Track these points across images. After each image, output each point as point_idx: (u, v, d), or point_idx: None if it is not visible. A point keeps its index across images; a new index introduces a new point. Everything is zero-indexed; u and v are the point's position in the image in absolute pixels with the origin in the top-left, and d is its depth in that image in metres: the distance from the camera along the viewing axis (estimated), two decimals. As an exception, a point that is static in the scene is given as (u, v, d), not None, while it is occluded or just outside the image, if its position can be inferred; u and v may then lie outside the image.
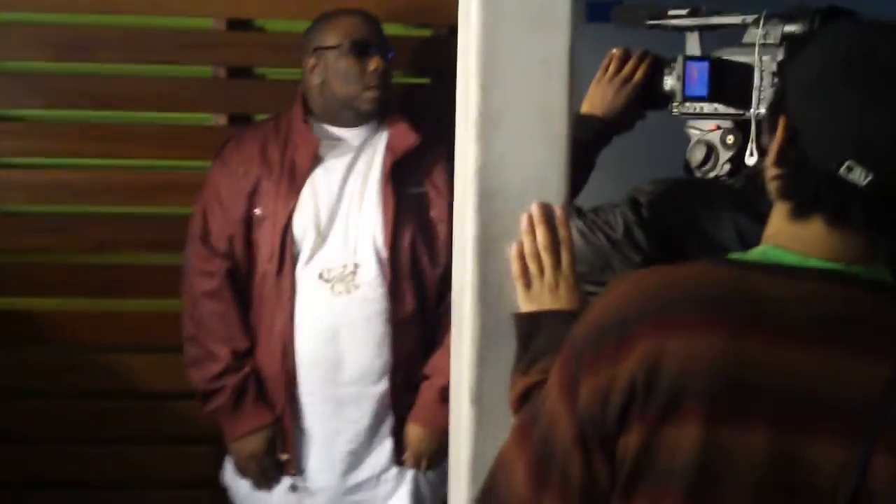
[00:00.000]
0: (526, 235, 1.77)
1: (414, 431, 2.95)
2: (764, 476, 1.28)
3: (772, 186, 1.40)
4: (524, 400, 1.62)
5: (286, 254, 2.87)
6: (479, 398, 1.81)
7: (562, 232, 1.78)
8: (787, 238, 1.38)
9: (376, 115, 2.94)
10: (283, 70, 3.38)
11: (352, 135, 2.95)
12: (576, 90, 1.87)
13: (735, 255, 1.41)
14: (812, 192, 1.34)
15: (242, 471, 2.98)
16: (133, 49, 3.36)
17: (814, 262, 1.34)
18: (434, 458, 2.95)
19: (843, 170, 1.30)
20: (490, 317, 1.80)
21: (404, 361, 2.94)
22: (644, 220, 2.06)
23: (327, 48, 2.89)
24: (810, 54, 1.39)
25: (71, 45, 3.35)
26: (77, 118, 3.41)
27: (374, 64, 2.86)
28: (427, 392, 2.94)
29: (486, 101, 1.79)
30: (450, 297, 2.86)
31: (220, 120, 3.40)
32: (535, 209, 1.78)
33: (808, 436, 1.27)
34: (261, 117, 3.33)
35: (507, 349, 1.76)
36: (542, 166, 1.80)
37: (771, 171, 1.40)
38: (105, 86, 3.38)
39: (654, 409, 1.30)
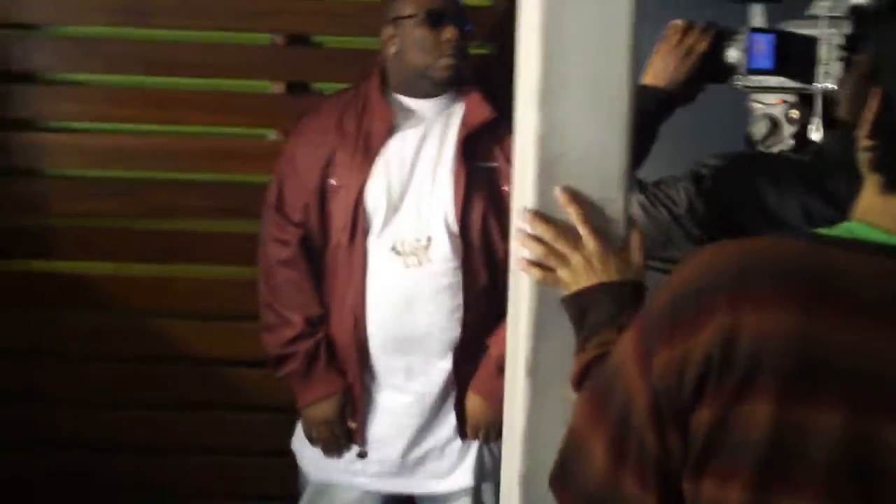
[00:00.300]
0: (530, 242, 1.76)
1: (472, 402, 2.94)
2: (838, 457, 1.24)
3: (863, 159, 1.36)
4: (583, 377, 1.61)
5: (358, 225, 2.88)
6: (535, 370, 1.79)
7: (571, 213, 1.76)
8: (875, 214, 1.34)
9: (451, 86, 2.92)
10: (341, 38, 3.38)
11: (427, 106, 2.94)
12: (636, 61, 1.84)
13: (820, 230, 1.37)
14: None
15: (313, 437, 3.00)
16: (192, 15, 3.37)
17: None
18: (495, 430, 2.93)
19: None
20: (547, 288, 1.78)
21: (472, 336, 2.93)
22: (707, 194, 2.04)
23: (404, 17, 2.88)
24: None
25: (130, 10, 3.35)
26: (135, 83, 3.42)
27: (448, 33, 2.84)
28: (487, 363, 2.93)
29: (546, 69, 1.76)
30: None
31: (278, 88, 3.41)
32: (526, 216, 1.77)
33: (882, 416, 1.24)
34: (318, 85, 3.34)
35: (564, 321, 1.74)
36: (602, 135, 1.78)
37: (863, 143, 1.36)
38: (163, 52, 3.40)
39: (729, 384, 1.27)
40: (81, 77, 3.43)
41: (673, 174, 2.12)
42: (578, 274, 1.72)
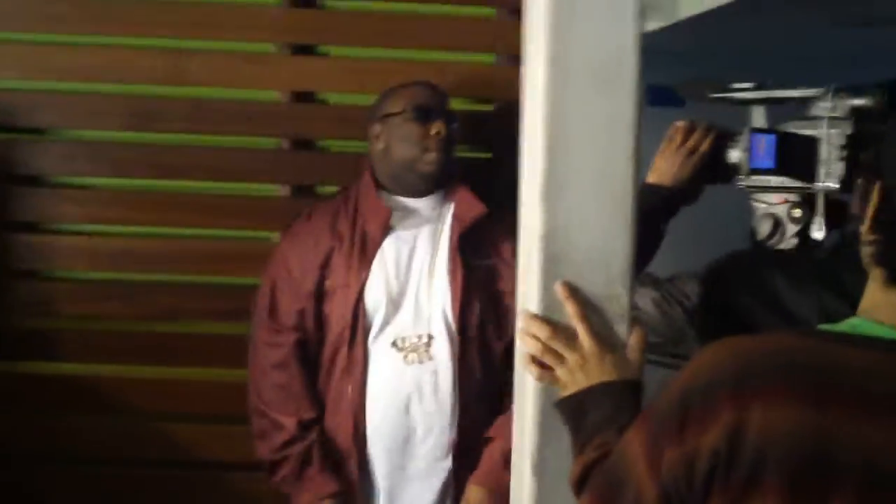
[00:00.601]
0: (524, 337, 1.77)
1: (475, 494, 2.90)
2: None
3: (865, 253, 1.37)
4: (583, 480, 1.60)
5: (359, 324, 2.88)
6: (541, 469, 1.78)
7: (568, 310, 1.76)
8: (878, 309, 1.35)
9: (439, 182, 2.95)
10: (346, 143, 3.41)
11: (419, 205, 2.96)
12: (640, 159, 1.86)
13: (824, 327, 1.38)
14: None
15: None
16: (199, 120, 3.41)
17: None
18: None
19: None
20: (553, 385, 1.78)
21: (469, 435, 2.91)
22: (723, 291, 2.04)
23: (391, 115, 2.92)
24: None
25: (138, 115, 3.39)
26: (142, 187, 3.44)
27: (435, 128, 2.88)
28: (491, 455, 2.90)
29: (550, 166, 1.78)
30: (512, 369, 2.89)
31: (284, 191, 3.43)
32: (524, 315, 1.78)
33: None
34: (323, 189, 3.36)
35: (571, 418, 1.73)
36: (607, 231, 1.78)
37: (865, 238, 1.37)
38: (170, 155, 3.42)
39: (736, 480, 1.27)
40: (89, 181, 3.45)
41: (686, 270, 2.13)
42: (574, 373, 1.71)
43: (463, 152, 3.43)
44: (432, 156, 2.89)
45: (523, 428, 1.82)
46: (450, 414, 2.89)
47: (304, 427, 2.92)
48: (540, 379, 1.76)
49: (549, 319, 1.76)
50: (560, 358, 1.73)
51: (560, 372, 1.73)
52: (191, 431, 3.45)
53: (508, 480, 2.68)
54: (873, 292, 1.36)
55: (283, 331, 2.94)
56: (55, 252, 3.45)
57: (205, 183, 3.44)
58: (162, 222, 3.45)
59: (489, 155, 3.47)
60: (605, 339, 1.75)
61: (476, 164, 3.45)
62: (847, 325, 1.36)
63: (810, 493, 1.25)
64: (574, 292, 1.76)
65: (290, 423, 2.92)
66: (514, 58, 3.29)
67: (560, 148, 1.79)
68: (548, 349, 1.75)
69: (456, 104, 3.40)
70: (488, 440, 2.94)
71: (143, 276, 3.45)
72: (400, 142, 2.91)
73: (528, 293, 1.81)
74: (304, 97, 3.45)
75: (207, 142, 3.44)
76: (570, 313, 1.75)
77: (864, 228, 1.37)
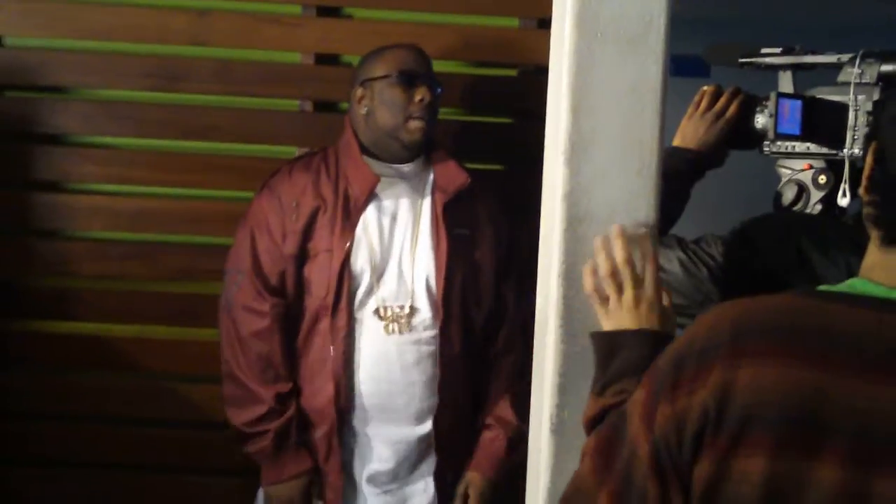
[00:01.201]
0: (599, 253, 1.76)
1: (477, 482, 2.93)
2: None
3: (865, 214, 1.39)
4: (596, 422, 1.61)
5: (343, 290, 2.83)
6: (560, 428, 1.78)
7: (645, 248, 1.75)
8: (876, 269, 1.36)
9: (421, 149, 2.92)
10: (368, 105, 3.40)
11: (400, 171, 2.93)
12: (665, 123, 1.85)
13: (824, 287, 1.39)
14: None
15: None
16: (221, 81, 3.40)
17: None
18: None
19: None
20: (573, 345, 1.77)
21: (450, 403, 2.91)
22: (752, 255, 2.03)
23: (375, 79, 2.89)
24: None
25: (161, 75, 3.39)
26: (162, 147, 3.44)
27: (419, 94, 2.85)
28: (493, 444, 2.93)
29: (576, 126, 1.77)
30: (499, 340, 2.89)
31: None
32: (612, 228, 1.75)
33: (880, 471, 1.24)
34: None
35: (588, 381, 1.73)
36: (630, 193, 1.77)
37: (863, 198, 1.39)
38: (192, 116, 3.41)
39: (724, 438, 1.29)
40: (109, 140, 3.44)
41: (713, 232, 2.12)
42: (624, 311, 1.71)
43: (487, 117, 3.41)
44: (416, 123, 2.86)
45: (542, 387, 1.81)
46: (429, 383, 2.88)
47: (282, 400, 2.87)
48: (591, 293, 1.74)
49: (631, 244, 1.75)
50: (620, 288, 1.72)
51: (612, 302, 1.73)
52: (206, 392, 3.44)
53: (508, 468, 2.73)
54: (871, 253, 1.38)
55: (267, 294, 2.88)
56: (75, 212, 3.44)
57: (226, 144, 3.43)
58: (182, 183, 3.45)
59: (512, 120, 3.45)
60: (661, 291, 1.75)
61: (499, 130, 3.43)
62: (846, 286, 1.37)
63: (799, 450, 1.26)
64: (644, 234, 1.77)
65: (268, 396, 2.86)
66: (538, 22, 3.30)
67: (585, 108, 1.78)
68: (614, 274, 1.74)
69: (480, 69, 3.39)
70: (485, 424, 2.95)
71: (162, 236, 3.45)
72: (384, 107, 2.87)
73: (550, 252, 1.80)
74: (327, 59, 3.43)
75: (230, 103, 3.42)
76: (645, 255, 1.75)
77: (861, 190, 1.39)
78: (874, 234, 1.37)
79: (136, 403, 3.48)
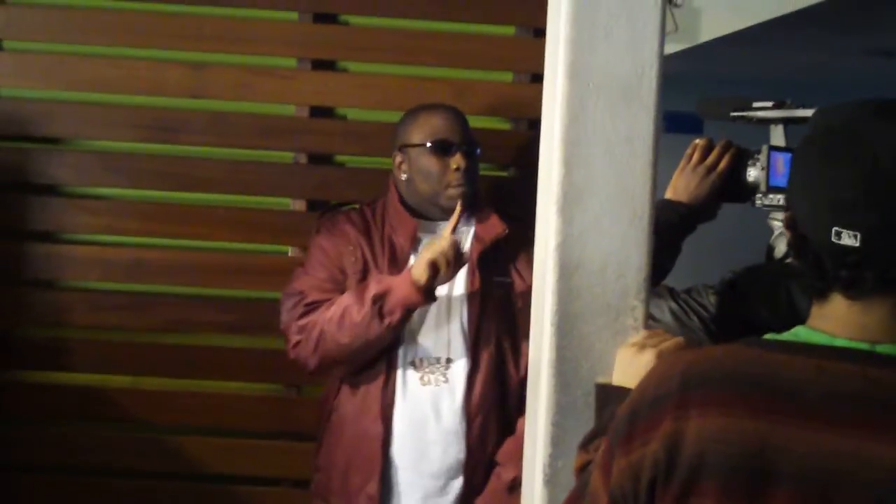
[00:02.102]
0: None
1: None
2: None
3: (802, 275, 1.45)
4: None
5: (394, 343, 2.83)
6: (553, 479, 1.78)
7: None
8: (818, 319, 1.40)
9: (465, 208, 2.92)
10: (363, 158, 3.42)
11: (442, 225, 2.91)
12: (657, 177, 1.86)
13: (770, 336, 1.42)
14: (817, 269, 1.38)
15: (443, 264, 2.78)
16: (217, 133, 3.42)
17: (840, 342, 1.36)
18: None
19: (833, 238, 1.33)
20: (567, 395, 1.78)
21: (481, 455, 2.89)
22: (741, 303, 2.04)
23: (411, 146, 2.90)
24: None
25: (156, 127, 3.41)
26: (157, 198, 3.45)
27: (455, 163, 2.86)
28: (496, 480, 2.89)
29: (568, 177, 1.78)
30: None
31: (299, 205, 3.43)
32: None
33: None
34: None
35: (583, 429, 1.73)
36: (623, 243, 1.78)
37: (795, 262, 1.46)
38: (187, 167, 3.43)
39: (675, 487, 1.32)
40: (103, 191, 3.46)
41: (704, 282, 2.12)
42: (632, 368, 1.71)
43: (481, 171, 3.43)
44: (454, 191, 2.86)
45: (536, 438, 1.81)
46: (463, 435, 2.87)
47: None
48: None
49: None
50: (642, 348, 1.73)
51: (629, 355, 1.74)
52: (199, 444, 3.44)
53: None
54: (815, 304, 1.42)
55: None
56: (69, 262, 3.45)
57: (220, 196, 3.45)
58: (176, 234, 3.45)
59: (506, 173, 3.47)
60: None
61: (494, 182, 3.45)
62: (791, 334, 1.41)
63: (745, 496, 1.29)
64: None
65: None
66: (532, 76, 3.33)
67: (577, 159, 1.79)
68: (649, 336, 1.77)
69: (474, 122, 3.41)
70: (496, 464, 2.92)
71: (156, 287, 3.45)
72: (421, 176, 2.88)
73: (543, 302, 1.81)
74: (322, 112, 3.45)
75: (224, 155, 3.44)
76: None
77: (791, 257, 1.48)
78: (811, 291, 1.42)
79: (129, 455, 3.46)
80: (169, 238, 3.46)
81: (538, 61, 2.02)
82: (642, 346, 1.72)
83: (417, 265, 2.74)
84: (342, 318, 2.77)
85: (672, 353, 1.62)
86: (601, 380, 1.76)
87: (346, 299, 2.78)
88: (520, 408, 2.86)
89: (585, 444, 1.66)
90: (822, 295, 1.39)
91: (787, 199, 1.44)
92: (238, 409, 3.41)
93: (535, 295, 1.90)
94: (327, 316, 2.80)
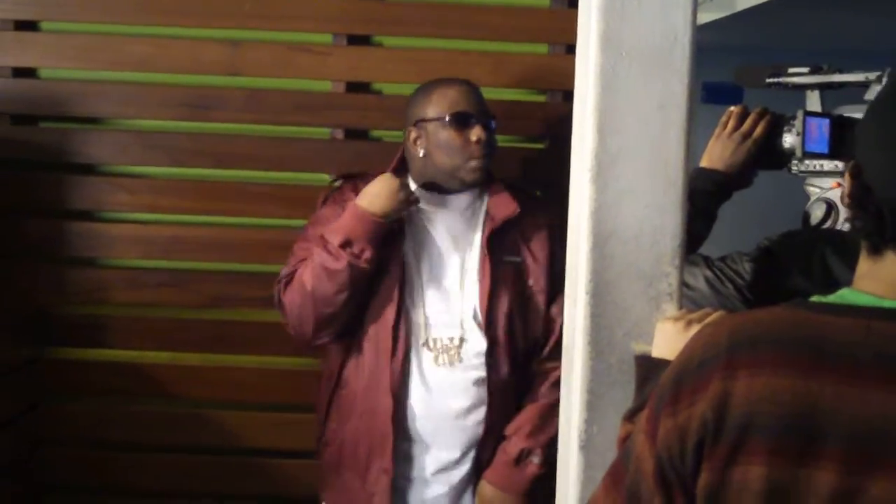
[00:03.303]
0: None
1: (487, 491, 2.89)
2: None
3: (851, 228, 1.44)
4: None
5: (401, 321, 2.84)
6: (588, 444, 1.78)
7: None
8: (865, 280, 1.39)
9: (481, 183, 2.93)
10: (399, 133, 3.41)
11: (455, 201, 2.94)
12: (692, 145, 1.85)
13: (815, 298, 1.42)
14: (877, 224, 1.36)
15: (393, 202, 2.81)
16: (253, 110, 3.43)
17: (888, 304, 1.35)
18: None
19: None
20: (601, 362, 1.78)
21: (495, 430, 2.90)
22: (776, 270, 2.03)
23: (428, 120, 2.89)
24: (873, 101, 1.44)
25: (194, 105, 3.43)
26: (195, 176, 3.47)
27: (475, 135, 2.85)
28: (503, 453, 2.90)
29: (602, 144, 1.78)
30: (542, 354, 2.88)
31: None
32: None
33: (874, 474, 1.26)
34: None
35: (618, 396, 1.73)
36: (657, 210, 1.78)
37: (850, 213, 1.44)
38: (224, 145, 3.44)
39: (723, 448, 1.32)
40: (141, 169, 3.48)
41: (739, 250, 2.12)
42: (674, 342, 1.71)
43: (515, 143, 3.43)
44: (475, 163, 2.86)
45: (571, 405, 1.81)
46: (476, 412, 2.88)
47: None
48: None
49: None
50: (688, 325, 1.73)
51: (673, 329, 1.73)
52: (238, 418, 3.47)
53: (517, 479, 2.72)
54: (862, 263, 1.41)
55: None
56: (108, 240, 3.48)
57: (257, 172, 3.46)
58: (214, 211, 3.48)
59: (542, 146, 3.46)
60: None
61: (529, 154, 3.44)
62: (837, 296, 1.40)
63: (795, 456, 1.28)
64: None
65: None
66: (567, 48, 3.32)
67: (611, 127, 1.79)
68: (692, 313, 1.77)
69: (510, 94, 3.41)
70: (505, 437, 2.93)
71: (194, 264, 3.48)
72: (440, 150, 2.87)
73: (577, 269, 1.81)
74: (358, 87, 3.46)
75: (262, 131, 3.46)
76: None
77: (845, 204, 1.44)
78: (863, 245, 1.41)
79: (168, 430, 3.50)
80: (207, 215, 3.48)
81: (573, 33, 2.01)
82: (685, 321, 1.72)
83: (362, 196, 2.78)
84: (322, 273, 2.78)
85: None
86: (639, 349, 1.76)
87: (319, 256, 2.79)
88: (529, 384, 2.93)
89: (630, 416, 1.67)
90: (875, 250, 1.38)
91: (856, 149, 1.41)
92: (276, 384, 3.43)
93: (568, 263, 1.90)
94: (308, 277, 2.81)
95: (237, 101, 3.43)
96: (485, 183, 2.94)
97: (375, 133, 3.47)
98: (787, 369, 1.30)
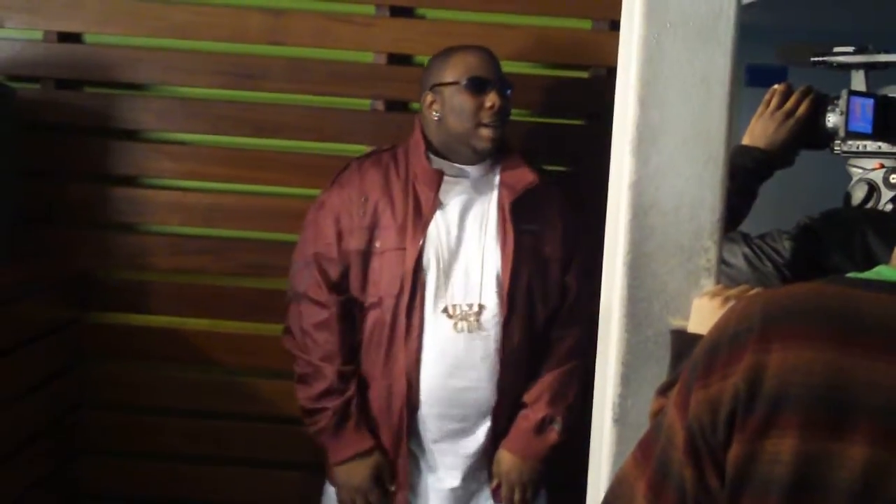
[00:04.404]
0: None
1: (507, 460, 2.92)
2: (861, 488, 1.26)
3: None
4: None
5: (417, 289, 2.86)
6: (622, 418, 1.78)
7: None
8: None
9: (492, 152, 2.93)
10: (439, 106, 3.42)
11: (469, 170, 2.94)
12: (734, 124, 1.85)
13: (851, 274, 1.41)
14: None
15: (347, 501, 2.95)
16: (295, 80, 3.44)
17: None
18: (527, 491, 2.93)
19: None
20: (637, 335, 1.78)
21: (510, 398, 2.93)
22: (817, 249, 2.02)
23: (445, 84, 2.90)
24: None
25: (236, 73, 3.44)
26: (236, 144, 3.49)
27: (490, 101, 2.85)
28: (523, 421, 2.92)
29: (643, 117, 1.78)
30: (558, 321, 2.89)
31: (376, 153, 3.44)
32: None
33: None
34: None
35: (654, 369, 1.73)
36: (697, 184, 1.78)
37: None
38: (266, 114, 3.46)
39: (755, 420, 1.31)
40: (184, 136, 3.50)
41: (778, 227, 2.11)
42: (712, 317, 1.70)
43: (557, 119, 3.42)
44: (487, 130, 2.86)
45: (605, 377, 1.81)
46: (494, 378, 2.89)
47: (344, 379, 2.91)
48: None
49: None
50: (726, 300, 1.74)
51: (709, 304, 1.73)
52: (274, 387, 3.49)
53: (538, 446, 2.73)
54: None
55: (329, 288, 2.92)
56: (150, 206, 3.51)
57: (298, 142, 3.48)
58: (255, 180, 3.49)
59: (583, 122, 3.45)
60: None
61: (570, 131, 3.44)
62: (874, 273, 1.39)
63: (827, 429, 1.28)
64: None
65: (330, 373, 2.90)
66: (611, 24, 3.31)
67: (653, 99, 1.78)
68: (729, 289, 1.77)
69: (552, 70, 3.40)
70: (524, 404, 2.95)
71: (235, 232, 3.50)
72: (454, 114, 2.88)
73: (615, 241, 1.81)
74: (399, 59, 3.46)
75: (303, 101, 3.47)
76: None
77: None
78: None
79: (206, 396, 3.53)
80: (247, 184, 3.50)
81: (617, 9, 2.01)
82: (722, 297, 1.72)
83: (338, 472, 2.96)
84: (308, 384, 2.96)
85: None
86: (674, 324, 1.76)
87: (299, 368, 2.99)
88: (546, 353, 2.96)
89: (664, 391, 1.67)
90: None
91: None
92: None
93: (607, 234, 1.90)
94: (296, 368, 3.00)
95: (279, 70, 3.45)
96: (498, 153, 2.95)
97: (416, 105, 3.47)
98: (820, 342, 1.30)
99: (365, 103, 3.47)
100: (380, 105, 3.46)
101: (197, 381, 3.54)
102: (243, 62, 3.46)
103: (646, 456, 1.46)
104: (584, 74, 3.45)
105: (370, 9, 3.44)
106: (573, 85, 3.41)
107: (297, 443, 3.43)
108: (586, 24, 3.42)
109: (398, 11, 3.44)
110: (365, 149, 3.41)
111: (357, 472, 2.91)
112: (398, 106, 3.47)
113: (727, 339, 1.37)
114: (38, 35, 3.47)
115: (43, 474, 3.36)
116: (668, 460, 1.40)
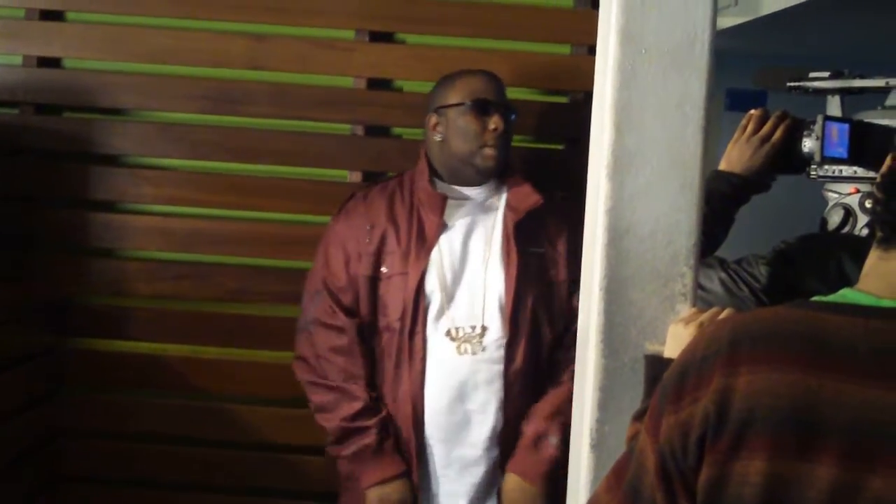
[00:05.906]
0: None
1: (511, 481, 2.90)
2: None
3: (870, 213, 1.44)
4: None
5: (419, 313, 2.87)
6: (600, 443, 1.78)
7: None
8: (870, 277, 1.41)
9: (495, 174, 2.94)
10: (419, 130, 3.42)
11: (473, 193, 2.96)
12: (711, 148, 1.85)
13: (816, 298, 1.43)
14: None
15: None
16: (276, 104, 3.44)
17: (887, 303, 1.36)
18: None
19: None
20: (614, 360, 1.78)
21: (514, 423, 2.91)
22: (792, 274, 2.02)
23: (449, 106, 2.92)
24: None
25: (217, 98, 3.44)
26: (216, 169, 3.48)
27: (493, 123, 2.88)
28: (522, 439, 2.91)
29: (619, 141, 1.78)
30: (563, 342, 2.88)
31: (356, 177, 3.44)
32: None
33: (873, 467, 1.28)
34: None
35: (631, 395, 1.73)
36: (673, 209, 1.78)
37: (875, 198, 1.45)
38: (245, 139, 3.45)
39: (724, 442, 1.33)
40: (163, 161, 3.50)
41: (755, 252, 2.12)
42: (682, 339, 1.70)
43: (536, 143, 3.43)
44: (490, 151, 2.89)
45: (583, 404, 1.81)
46: (499, 401, 2.88)
47: (375, 399, 2.91)
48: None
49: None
50: (700, 325, 1.74)
51: (682, 330, 1.73)
52: (255, 413, 3.48)
53: (537, 463, 2.72)
54: (869, 259, 1.43)
55: (343, 313, 2.93)
56: (129, 231, 3.49)
57: (279, 167, 3.47)
58: (235, 205, 3.49)
59: (562, 146, 3.46)
60: None
61: (549, 155, 3.44)
62: (838, 296, 1.42)
63: (795, 450, 1.30)
64: None
65: (361, 393, 2.88)
66: (590, 49, 3.32)
67: (628, 124, 1.79)
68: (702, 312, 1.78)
69: (531, 95, 3.41)
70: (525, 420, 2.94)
71: (214, 257, 3.49)
72: (457, 135, 2.90)
73: (592, 266, 1.81)
74: (379, 84, 3.46)
75: (283, 126, 3.47)
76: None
77: (874, 188, 1.45)
78: (876, 237, 1.43)
79: (186, 423, 3.51)
80: (227, 209, 3.50)
81: (596, 34, 2.02)
82: (696, 323, 1.72)
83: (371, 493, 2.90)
84: (335, 407, 2.93)
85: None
86: (651, 349, 1.76)
87: (316, 398, 2.99)
88: (550, 375, 2.94)
89: (639, 416, 1.67)
90: (886, 243, 1.40)
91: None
92: (295, 380, 3.43)
93: (584, 259, 1.90)
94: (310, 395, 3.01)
95: (259, 95, 3.45)
96: (502, 175, 2.95)
97: (396, 130, 3.48)
98: (787, 365, 1.32)
99: (345, 128, 3.47)
100: (360, 129, 3.46)
101: (178, 407, 3.52)
102: (224, 87, 3.46)
103: (619, 480, 1.47)
104: (563, 99, 3.46)
105: (350, 34, 3.45)
106: (552, 109, 3.42)
107: (280, 470, 3.43)
108: (565, 49, 3.43)
109: (378, 37, 3.45)
110: (346, 173, 3.43)
111: (396, 492, 2.88)
112: (378, 130, 3.47)
113: (696, 363, 1.38)
114: (18, 60, 3.46)
115: (22, 503, 3.33)
116: (639, 484, 1.41)
